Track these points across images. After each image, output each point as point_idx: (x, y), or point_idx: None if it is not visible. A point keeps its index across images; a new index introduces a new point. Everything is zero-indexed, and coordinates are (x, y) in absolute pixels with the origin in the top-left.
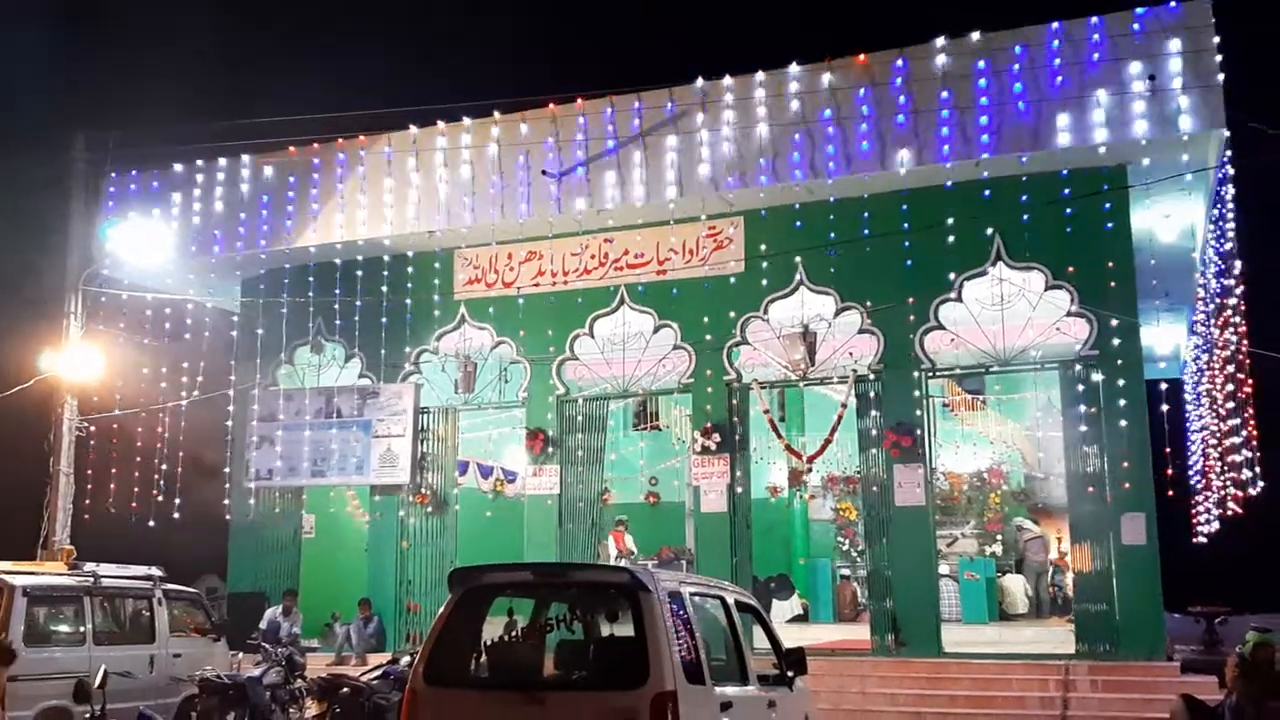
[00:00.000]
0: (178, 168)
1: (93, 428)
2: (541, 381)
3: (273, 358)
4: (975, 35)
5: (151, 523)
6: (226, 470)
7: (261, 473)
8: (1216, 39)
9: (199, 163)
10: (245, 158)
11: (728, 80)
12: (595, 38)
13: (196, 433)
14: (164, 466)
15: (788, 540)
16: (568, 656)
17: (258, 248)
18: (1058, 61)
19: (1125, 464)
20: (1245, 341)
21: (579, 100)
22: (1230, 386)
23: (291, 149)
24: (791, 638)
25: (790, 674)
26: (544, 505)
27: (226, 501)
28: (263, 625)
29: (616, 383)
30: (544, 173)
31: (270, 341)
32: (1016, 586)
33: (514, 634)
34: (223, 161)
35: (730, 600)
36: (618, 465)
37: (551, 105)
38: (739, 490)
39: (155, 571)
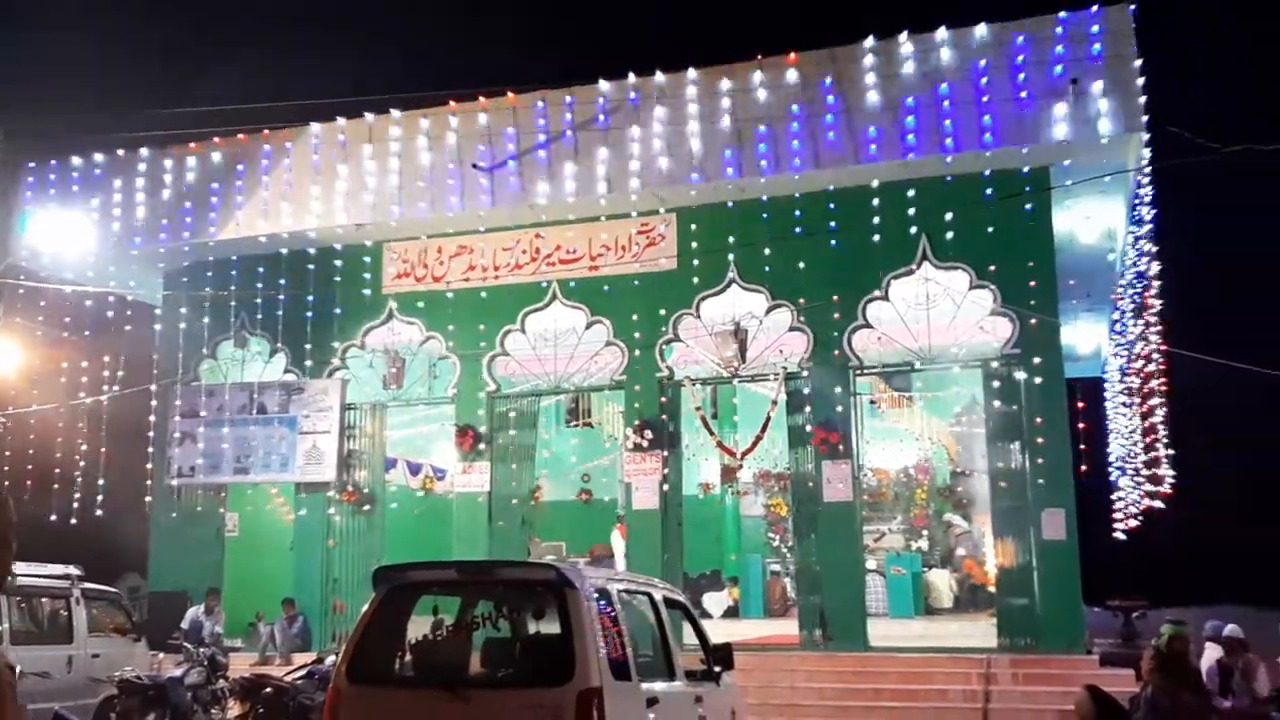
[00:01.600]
0: (99, 158)
1: (9, 423)
2: (472, 378)
3: (195, 353)
4: (903, 38)
5: (72, 521)
6: (148, 467)
7: (184, 470)
8: (1135, 45)
9: (120, 154)
10: (168, 149)
11: (659, 78)
12: (529, 33)
13: (117, 429)
14: (83, 463)
15: (720, 537)
16: (494, 654)
17: (180, 240)
18: (983, 64)
19: (1043, 460)
20: (1162, 341)
21: (510, 95)
22: (1148, 385)
23: (216, 139)
24: (722, 633)
25: (717, 669)
26: (474, 503)
27: (148, 499)
28: (185, 625)
29: (548, 379)
30: (474, 166)
31: (193, 336)
32: (941, 581)
33: (440, 632)
34: (145, 153)
35: (658, 597)
36: (549, 462)
37: (481, 99)
38: (670, 487)
39: (73, 570)
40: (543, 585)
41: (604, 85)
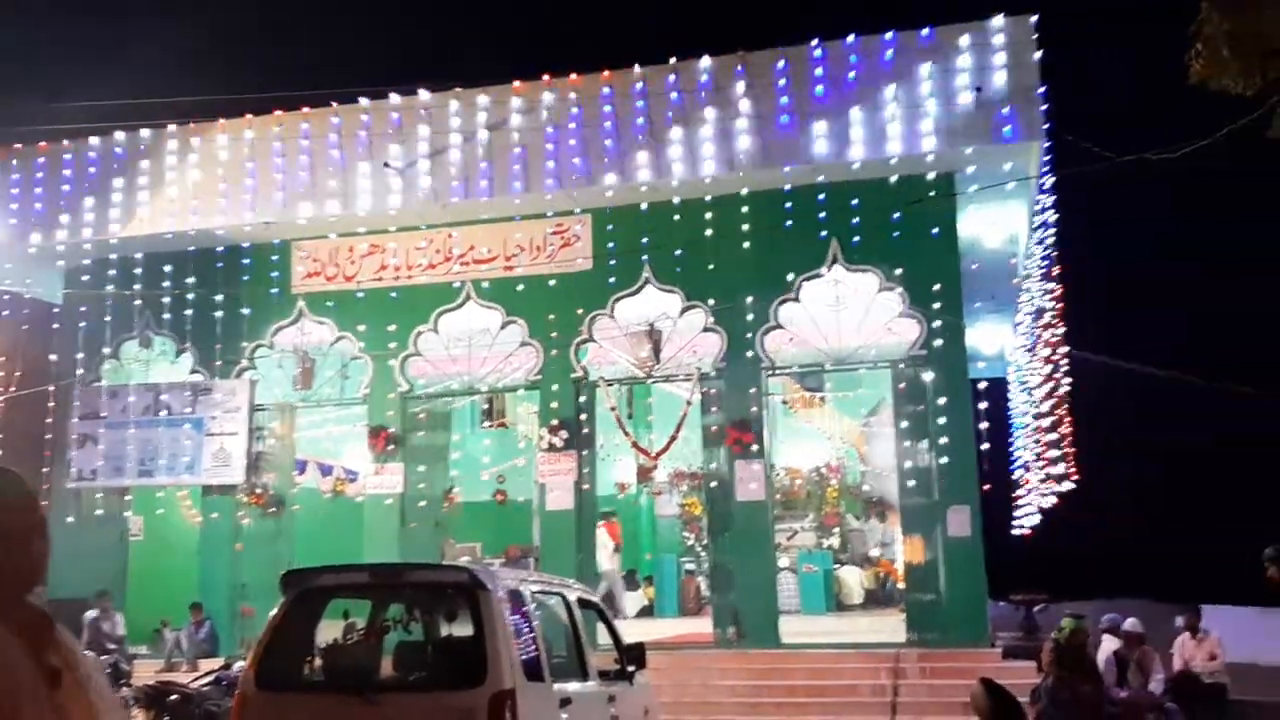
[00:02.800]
0: None
1: None
2: (384, 378)
3: (96, 353)
4: (814, 42)
5: None
6: (44, 471)
7: (84, 473)
8: (1038, 54)
9: (17, 146)
10: (66, 142)
11: (574, 78)
12: (446, 31)
13: (12, 431)
14: None
15: (635, 536)
16: (406, 657)
17: (80, 237)
18: (890, 72)
19: (949, 459)
20: (1062, 342)
21: (422, 93)
22: (1048, 386)
23: (118, 134)
24: (637, 633)
25: (630, 669)
26: (386, 505)
27: (45, 503)
28: (84, 634)
29: (462, 380)
30: (385, 165)
31: (94, 335)
32: (852, 578)
33: (350, 636)
34: (43, 145)
35: (572, 598)
36: (464, 463)
37: (393, 96)
38: (585, 487)
39: None
40: (454, 587)
41: (517, 84)
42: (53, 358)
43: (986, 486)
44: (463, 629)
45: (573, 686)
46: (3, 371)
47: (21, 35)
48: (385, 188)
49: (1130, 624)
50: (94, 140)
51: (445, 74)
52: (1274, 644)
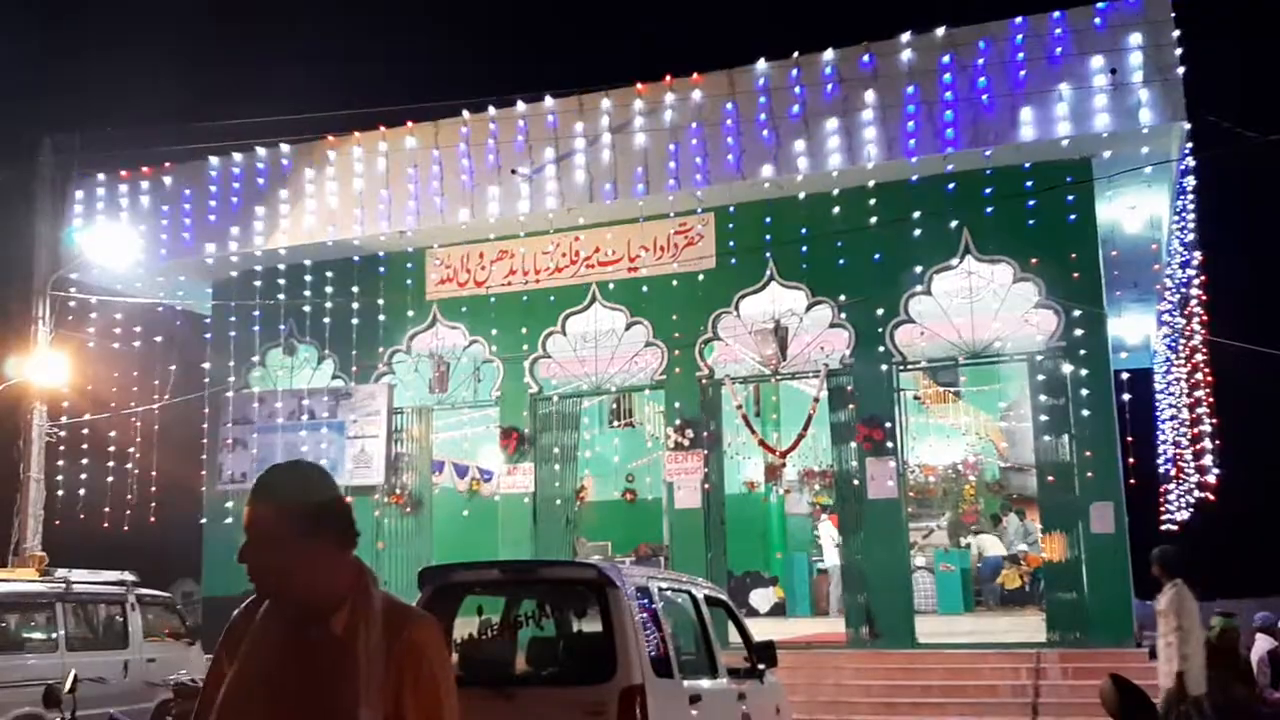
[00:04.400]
0: (145, 170)
1: (63, 433)
2: (515, 380)
3: (245, 360)
4: (940, 31)
5: (125, 528)
6: (202, 474)
7: (235, 475)
8: (1176, 33)
9: (167, 165)
10: (213, 159)
11: (695, 77)
12: (557, 39)
13: (169, 437)
14: (136, 471)
15: (765, 535)
16: (538, 652)
17: (227, 250)
18: (1021, 56)
19: (1091, 454)
20: (1205, 331)
21: (547, 98)
22: (1194, 376)
23: (260, 149)
24: (767, 631)
25: (760, 667)
26: (519, 503)
27: (201, 505)
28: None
29: (589, 380)
30: (513, 171)
31: (242, 344)
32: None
33: (485, 632)
34: (191, 164)
35: (700, 595)
36: (593, 463)
37: (520, 104)
38: (708, 486)
39: (128, 576)
40: (584, 584)
41: (640, 87)
42: (205, 366)
43: (1131, 481)
44: (593, 625)
45: (703, 684)
46: (159, 380)
47: (169, 57)
48: (513, 194)
49: None
50: (237, 157)
51: (567, 81)
52: None
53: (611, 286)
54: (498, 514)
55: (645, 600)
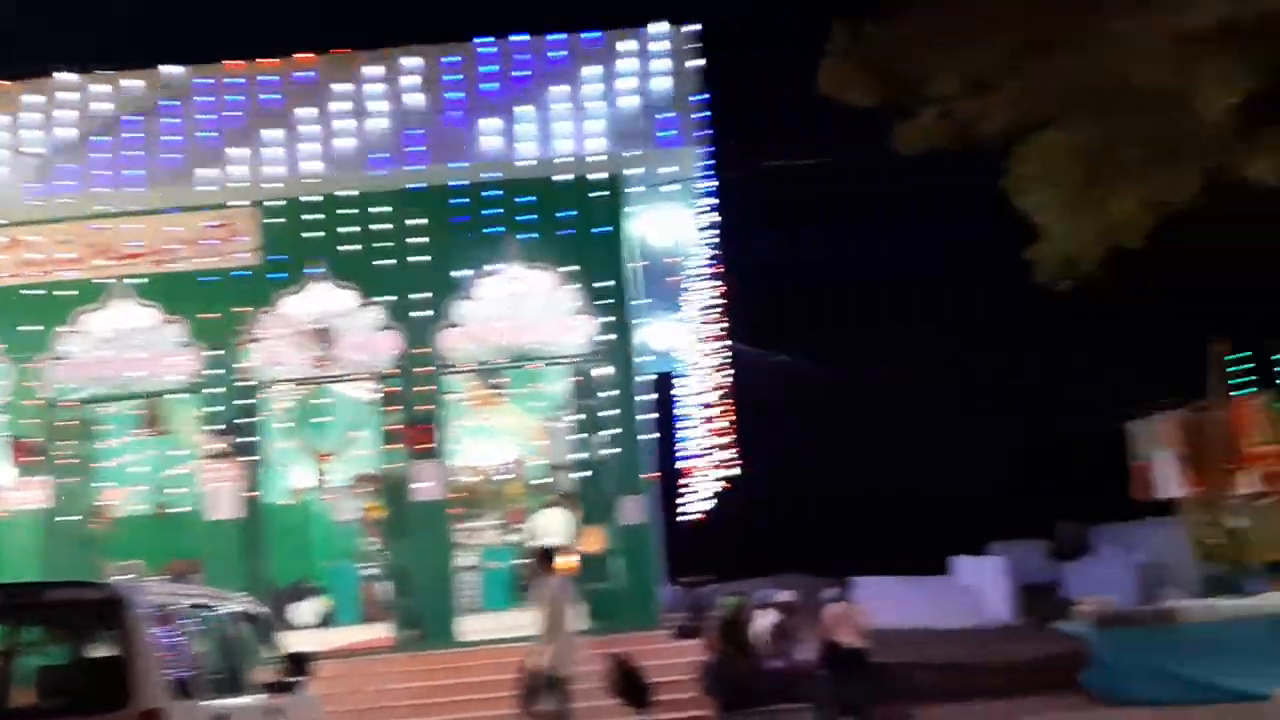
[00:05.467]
0: None
1: None
2: (25, 384)
3: None
4: (488, 39)
5: None
6: None
7: None
8: (698, 62)
9: None
10: None
11: (236, 64)
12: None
13: None
14: None
15: (311, 544)
16: (45, 681)
17: None
18: (562, 71)
19: (621, 451)
20: (724, 336)
21: (65, 74)
22: (712, 378)
23: None
24: (315, 642)
25: (295, 680)
26: (31, 522)
27: None
28: None
29: (115, 384)
30: (20, 151)
31: None
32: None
33: None
34: None
35: (231, 610)
36: (120, 474)
37: (33, 79)
38: (252, 495)
39: None
40: (96, 605)
41: (173, 70)
42: None
43: (657, 475)
44: (107, 649)
45: (232, 702)
46: None
47: None
48: (23, 176)
49: (783, 597)
50: None
51: (101, 56)
52: (911, 610)
53: (142, 282)
54: (3, 534)
55: (166, 620)
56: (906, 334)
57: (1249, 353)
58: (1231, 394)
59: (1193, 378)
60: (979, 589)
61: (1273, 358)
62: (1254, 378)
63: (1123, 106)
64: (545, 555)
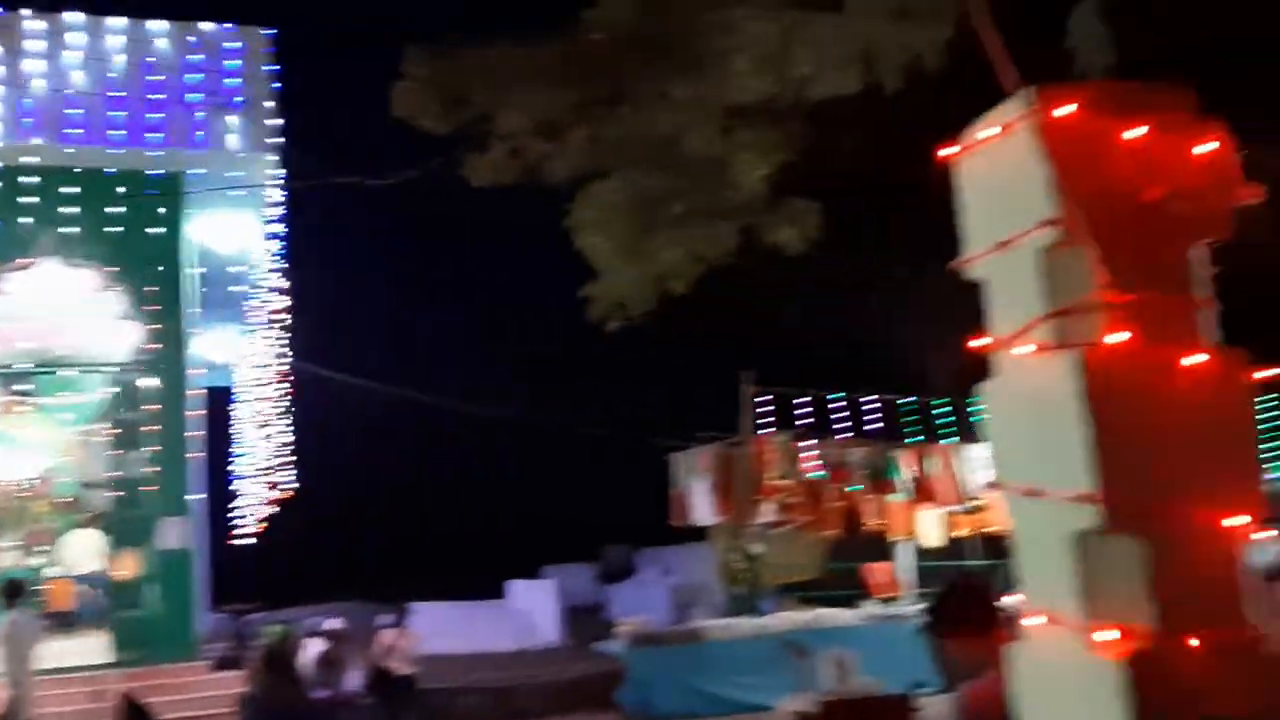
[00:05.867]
0: None
1: None
2: None
3: None
4: (28, 12)
5: None
6: None
7: None
8: (272, 67)
9: None
10: None
11: None
12: None
13: None
14: None
15: None
16: None
17: None
18: (121, 58)
19: (165, 469)
20: (288, 353)
21: None
22: (273, 395)
23: None
24: None
25: None
26: None
27: None
28: None
29: None
30: None
31: None
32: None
33: None
34: None
35: None
36: None
37: None
38: None
39: None
40: None
41: None
42: None
43: (204, 495)
44: None
45: None
46: None
47: None
48: None
49: (332, 625)
50: None
51: None
52: (468, 635)
53: None
54: None
55: None
56: (475, 359)
57: (771, 394)
58: (757, 431)
59: (728, 415)
60: (531, 612)
61: (792, 401)
62: (774, 417)
63: (675, 166)
64: (10, 589)
